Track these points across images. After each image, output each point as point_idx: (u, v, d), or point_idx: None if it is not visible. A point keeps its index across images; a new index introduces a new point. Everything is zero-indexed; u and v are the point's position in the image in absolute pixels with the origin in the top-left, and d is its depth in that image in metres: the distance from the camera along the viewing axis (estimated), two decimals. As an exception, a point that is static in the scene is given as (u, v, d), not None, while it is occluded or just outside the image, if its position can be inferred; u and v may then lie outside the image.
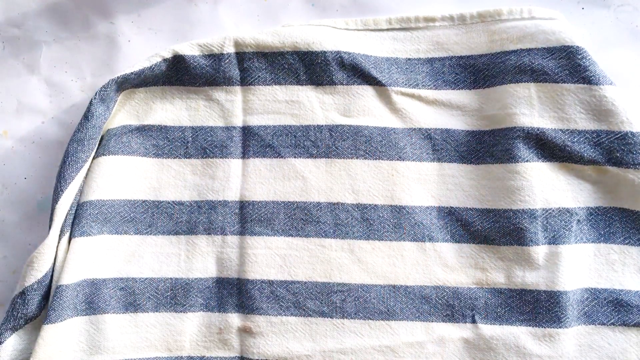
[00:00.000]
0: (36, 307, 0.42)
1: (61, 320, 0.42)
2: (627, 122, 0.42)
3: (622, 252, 0.43)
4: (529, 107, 0.44)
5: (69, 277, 0.43)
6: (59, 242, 0.43)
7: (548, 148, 0.44)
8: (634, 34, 0.46)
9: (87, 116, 0.44)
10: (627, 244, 0.43)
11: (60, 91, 0.49)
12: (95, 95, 0.44)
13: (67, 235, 0.44)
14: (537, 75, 0.44)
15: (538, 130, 0.44)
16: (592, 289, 0.43)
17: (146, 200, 0.46)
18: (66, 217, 0.44)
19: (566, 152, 0.44)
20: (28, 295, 0.42)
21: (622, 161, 0.43)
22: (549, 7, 0.46)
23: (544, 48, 0.44)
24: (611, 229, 0.43)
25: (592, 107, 0.43)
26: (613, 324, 0.42)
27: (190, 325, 0.44)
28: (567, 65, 0.43)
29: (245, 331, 0.44)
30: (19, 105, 0.49)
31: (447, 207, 0.45)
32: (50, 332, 0.42)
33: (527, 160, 0.44)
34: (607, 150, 0.43)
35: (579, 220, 0.44)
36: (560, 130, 0.44)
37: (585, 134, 0.43)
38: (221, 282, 0.45)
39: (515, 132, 0.44)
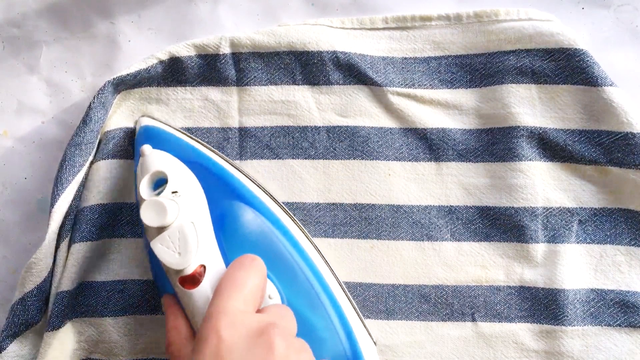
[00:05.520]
0: (36, 313, 0.42)
1: (63, 325, 0.43)
2: (627, 123, 0.42)
3: (628, 254, 0.43)
4: (531, 107, 0.44)
5: (69, 283, 0.43)
6: (58, 248, 0.44)
7: (550, 148, 0.44)
8: (634, 34, 0.46)
9: (85, 120, 0.44)
10: (633, 245, 0.43)
11: (60, 91, 0.49)
12: (94, 99, 0.44)
13: (66, 240, 0.44)
14: (537, 77, 0.44)
15: (540, 129, 0.44)
16: (598, 289, 0.43)
17: None
18: (65, 221, 0.44)
19: (567, 152, 0.44)
20: (28, 301, 0.42)
21: (624, 162, 0.43)
22: (549, 7, 0.46)
23: (544, 49, 0.44)
24: (617, 230, 0.43)
25: (592, 108, 0.43)
26: (619, 325, 0.42)
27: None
28: (566, 67, 0.43)
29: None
30: (19, 105, 0.49)
31: (447, 206, 0.44)
32: (54, 338, 0.42)
33: (530, 159, 0.44)
34: (608, 150, 0.43)
35: (580, 221, 0.44)
36: (562, 130, 0.44)
37: (587, 134, 0.43)
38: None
39: (518, 131, 0.44)
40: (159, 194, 0.37)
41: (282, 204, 0.42)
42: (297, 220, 0.42)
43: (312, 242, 0.42)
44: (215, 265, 0.37)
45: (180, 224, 0.35)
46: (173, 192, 0.37)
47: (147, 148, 0.40)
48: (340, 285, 0.41)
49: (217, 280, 0.36)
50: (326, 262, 0.42)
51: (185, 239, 0.35)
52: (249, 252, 0.38)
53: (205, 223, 0.38)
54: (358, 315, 0.41)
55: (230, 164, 0.43)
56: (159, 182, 0.38)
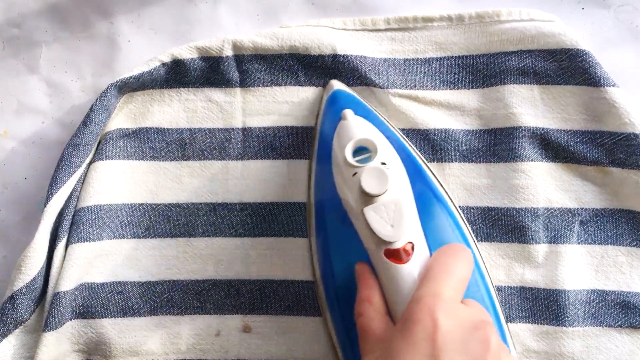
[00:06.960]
0: (25, 312, 0.42)
1: (61, 326, 0.42)
2: (629, 124, 0.42)
3: (629, 254, 0.43)
4: (533, 108, 0.44)
5: (67, 284, 0.43)
6: (55, 249, 0.43)
7: (552, 148, 0.44)
8: (634, 34, 0.46)
9: (85, 122, 0.43)
10: (634, 246, 0.43)
11: (60, 91, 0.48)
12: (97, 101, 0.44)
13: (63, 241, 0.44)
14: (539, 78, 0.44)
15: (542, 130, 0.44)
16: (599, 290, 0.43)
17: (143, 204, 0.46)
18: (62, 222, 0.44)
19: (569, 153, 0.44)
20: (17, 299, 0.42)
21: (625, 162, 0.43)
22: (550, 8, 0.46)
23: (546, 50, 0.44)
24: (618, 230, 0.43)
25: (594, 108, 0.43)
26: (620, 325, 0.42)
27: (187, 328, 0.44)
28: (568, 68, 0.44)
29: (244, 331, 0.44)
30: (19, 106, 0.49)
31: (448, 207, 0.45)
32: (51, 339, 0.42)
33: (531, 160, 0.44)
34: (610, 151, 0.43)
35: (582, 222, 0.44)
36: (564, 130, 0.44)
37: (588, 134, 0.44)
38: (219, 284, 0.45)
39: (520, 131, 0.44)
40: (359, 161, 0.37)
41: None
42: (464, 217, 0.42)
43: (474, 241, 0.42)
44: (420, 245, 0.36)
45: (395, 196, 0.35)
46: (382, 163, 0.36)
47: (349, 113, 0.39)
48: (494, 293, 0.41)
49: (421, 261, 0.35)
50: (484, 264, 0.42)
51: (401, 212, 0.34)
52: (435, 240, 0.37)
53: (410, 200, 0.37)
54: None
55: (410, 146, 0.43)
56: (357, 150, 0.37)
